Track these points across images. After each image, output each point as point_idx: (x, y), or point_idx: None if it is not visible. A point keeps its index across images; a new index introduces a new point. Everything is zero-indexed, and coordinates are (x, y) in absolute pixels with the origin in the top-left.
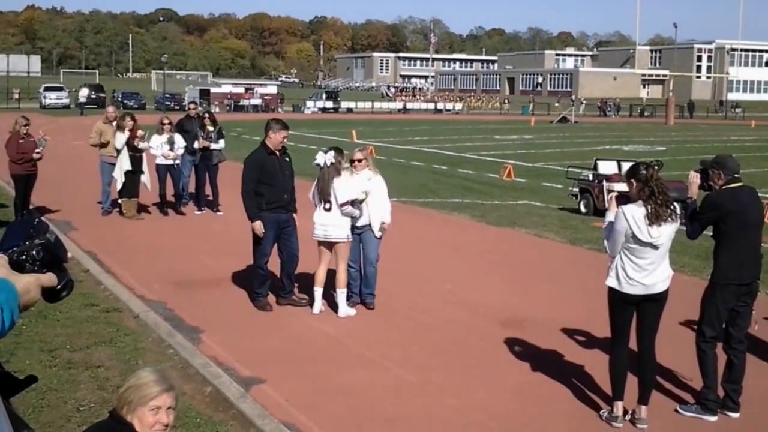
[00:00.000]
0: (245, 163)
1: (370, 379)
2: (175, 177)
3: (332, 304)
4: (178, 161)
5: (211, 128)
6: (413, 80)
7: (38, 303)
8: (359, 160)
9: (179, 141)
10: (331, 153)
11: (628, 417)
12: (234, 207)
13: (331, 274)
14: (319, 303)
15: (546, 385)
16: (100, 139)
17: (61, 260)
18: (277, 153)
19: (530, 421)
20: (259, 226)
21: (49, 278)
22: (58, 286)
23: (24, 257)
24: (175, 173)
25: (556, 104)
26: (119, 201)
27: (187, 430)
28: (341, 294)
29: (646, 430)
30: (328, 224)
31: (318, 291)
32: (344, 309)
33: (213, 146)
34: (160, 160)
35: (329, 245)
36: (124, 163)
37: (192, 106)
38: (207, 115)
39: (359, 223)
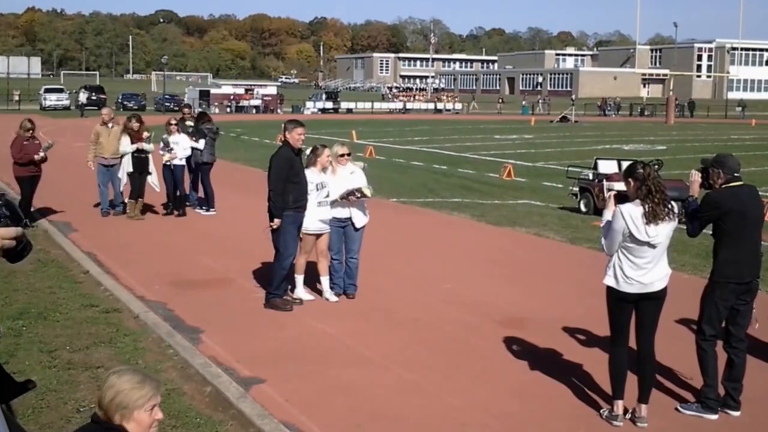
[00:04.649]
0: (273, 163)
1: (370, 378)
2: (177, 177)
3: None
4: (180, 162)
5: (189, 123)
6: (416, 80)
7: (37, 304)
8: (347, 154)
9: (175, 140)
10: (309, 149)
11: (628, 416)
12: (233, 207)
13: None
14: (326, 291)
15: (546, 384)
16: (97, 141)
17: (20, 217)
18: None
19: (530, 420)
20: (279, 222)
21: (15, 230)
22: (19, 246)
23: None
24: (177, 173)
25: (523, 102)
26: (126, 201)
27: (187, 430)
28: (297, 278)
29: (647, 428)
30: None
31: (299, 279)
32: (299, 290)
33: (192, 144)
34: (174, 161)
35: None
36: (127, 165)
37: (186, 110)
38: (186, 110)
39: (342, 216)
